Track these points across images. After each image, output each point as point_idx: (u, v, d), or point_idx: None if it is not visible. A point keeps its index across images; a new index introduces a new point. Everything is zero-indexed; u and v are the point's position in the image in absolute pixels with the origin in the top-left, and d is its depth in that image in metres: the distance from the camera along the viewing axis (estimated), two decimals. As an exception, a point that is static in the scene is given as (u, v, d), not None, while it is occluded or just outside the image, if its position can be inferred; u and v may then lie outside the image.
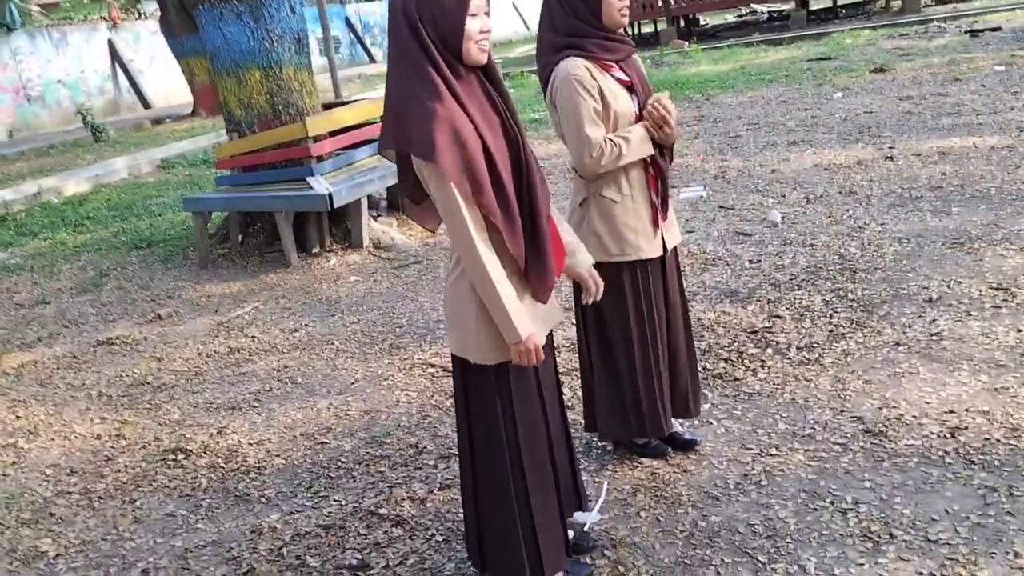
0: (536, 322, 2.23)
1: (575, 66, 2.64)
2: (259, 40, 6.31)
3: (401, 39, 2.08)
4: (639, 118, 2.74)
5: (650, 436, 3.01)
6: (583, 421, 3.13)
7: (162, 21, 18.03)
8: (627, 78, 2.73)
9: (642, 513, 2.78)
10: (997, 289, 4.04)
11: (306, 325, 5.10)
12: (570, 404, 3.53)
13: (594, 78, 2.65)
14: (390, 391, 4.02)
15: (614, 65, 2.71)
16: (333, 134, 6.74)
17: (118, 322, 5.63)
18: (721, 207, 6.20)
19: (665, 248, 2.86)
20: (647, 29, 23.70)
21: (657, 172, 2.79)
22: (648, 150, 2.72)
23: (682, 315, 3.00)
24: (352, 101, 8.42)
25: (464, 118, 2.05)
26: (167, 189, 10.25)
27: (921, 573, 2.32)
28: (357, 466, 3.38)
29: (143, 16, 23.69)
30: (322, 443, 3.61)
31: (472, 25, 2.06)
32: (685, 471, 2.97)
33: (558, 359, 3.92)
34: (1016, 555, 2.33)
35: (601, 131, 2.67)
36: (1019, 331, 3.59)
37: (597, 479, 2.99)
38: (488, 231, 2.13)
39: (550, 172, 7.82)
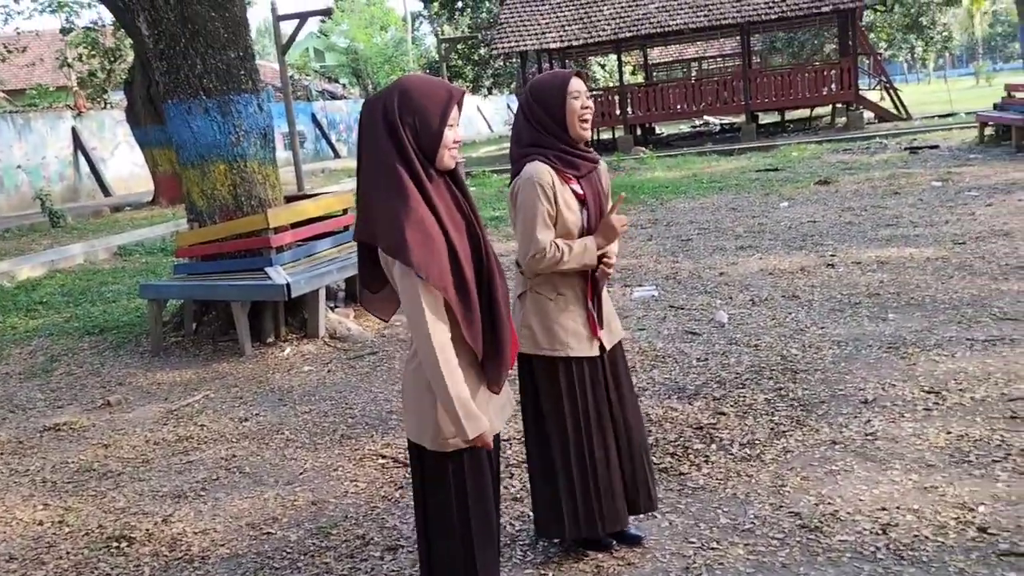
0: (492, 412, 2.36)
1: (542, 171, 2.80)
2: (226, 135, 6.48)
3: (377, 139, 2.21)
4: (585, 232, 2.89)
5: (582, 535, 3.03)
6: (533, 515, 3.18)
7: (128, 111, 18.29)
8: (581, 192, 2.88)
9: (585, 605, 2.81)
10: (929, 392, 4.22)
11: (257, 414, 5.10)
12: (520, 496, 3.59)
13: (554, 185, 2.81)
14: (339, 482, 4.03)
15: (573, 179, 2.88)
16: (295, 226, 6.87)
17: (66, 408, 5.57)
18: (671, 307, 6.39)
19: (603, 349, 2.97)
20: (606, 136, 24.53)
21: (593, 287, 2.94)
22: (590, 261, 2.85)
23: (632, 409, 3.09)
24: (315, 194, 8.60)
25: (432, 218, 2.18)
26: (123, 276, 10.24)
27: (853, 666, 2.38)
28: (302, 557, 3.36)
29: (109, 106, 23.99)
30: (267, 533, 3.59)
31: (448, 135, 2.23)
32: (629, 564, 3.02)
33: (510, 451, 3.99)
34: (942, 648, 2.40)
35: (551, 235, 2.81)
36: (949, 432, 3.74)
37: (543, 571, 3.03)
38: (450, 326, 2.24)
39: (508, 268, 7.99)
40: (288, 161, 16.23)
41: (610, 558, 3.07)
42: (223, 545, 3.52)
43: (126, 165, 22.68)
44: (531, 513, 3.17)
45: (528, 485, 3.23)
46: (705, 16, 21.01)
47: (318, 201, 7.50)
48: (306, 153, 28.93)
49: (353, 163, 28.34)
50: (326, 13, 13.79)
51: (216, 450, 4.59)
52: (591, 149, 2.98)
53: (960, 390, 4.21)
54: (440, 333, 2.19)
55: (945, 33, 39.96)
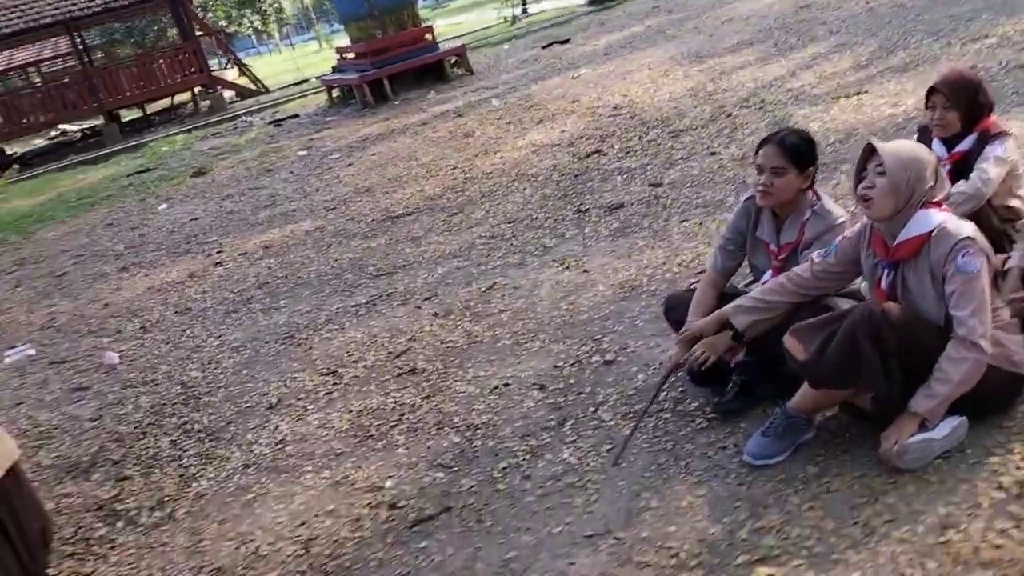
0: None
1: None
2: None
3: None
4: None
5: None
6: None
7: None
8: None
9: None
10: (327, 375, 4.25)
11: None
12: None
13: None
14: None
15: None
16: None
17: None
18: (53, 363, 5.56)
19: None
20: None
21: None
22: None
23: None
24: None
25: None
26: None
27: None
28: None
29: None
30: None
31: None
32: None
33: None
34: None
35: None
36: (350, 411, 3.80)
37: None
38: None
39: None
40: None
41: None
42: None
43: None
44: None
45: None
46: (20, 17, 18.81)
47: None
48: None
49: None
50: None
51: None
52: None
53: (353, 362, 4.32)
54: None
55: (276, 5, 42.16)
